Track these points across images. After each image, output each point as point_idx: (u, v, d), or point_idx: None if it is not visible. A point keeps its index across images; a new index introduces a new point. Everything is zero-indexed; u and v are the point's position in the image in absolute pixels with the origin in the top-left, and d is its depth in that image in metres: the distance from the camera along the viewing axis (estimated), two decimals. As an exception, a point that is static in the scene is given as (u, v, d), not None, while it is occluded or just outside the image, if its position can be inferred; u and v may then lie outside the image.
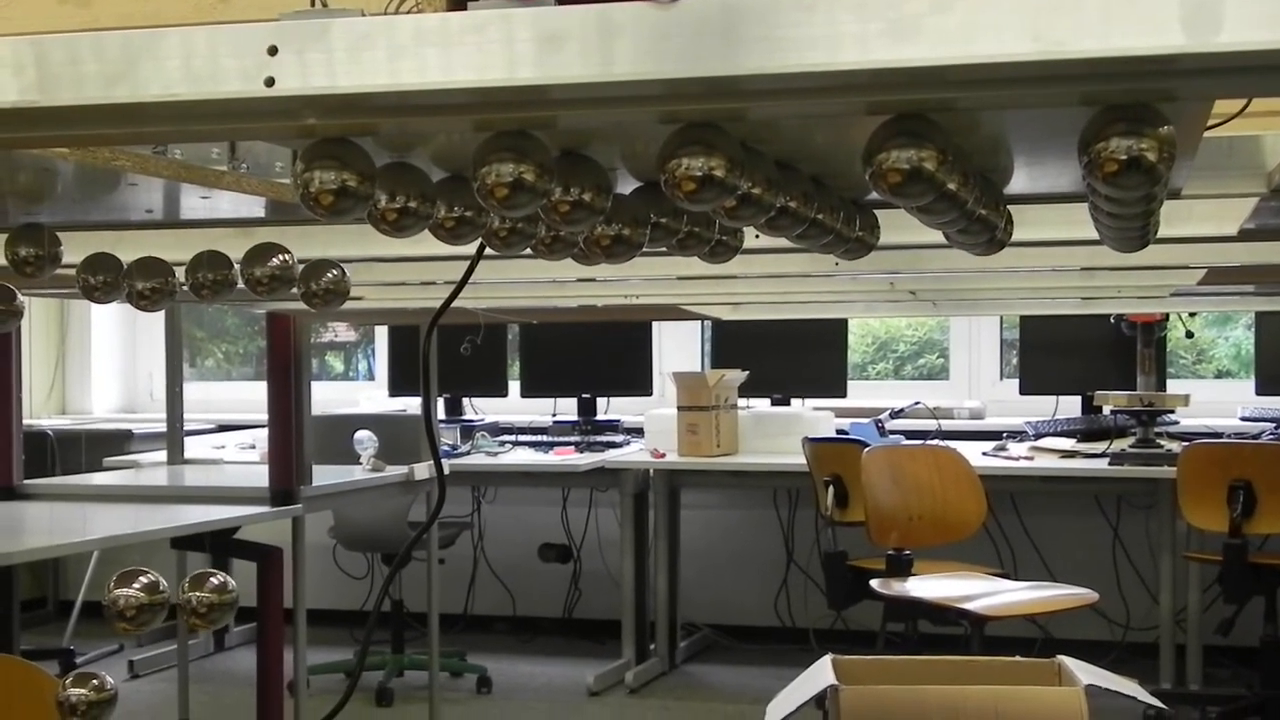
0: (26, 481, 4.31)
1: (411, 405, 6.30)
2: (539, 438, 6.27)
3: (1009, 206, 1.30)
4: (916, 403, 6.08)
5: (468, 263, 1.47)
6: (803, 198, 1.16)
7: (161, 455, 5.30)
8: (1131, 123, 0.80)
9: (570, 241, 1.26)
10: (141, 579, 1.66)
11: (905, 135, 0.87)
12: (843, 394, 6.16)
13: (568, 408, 6.56)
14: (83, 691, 1.66)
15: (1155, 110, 0.80)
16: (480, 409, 6.73)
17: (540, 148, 0.93)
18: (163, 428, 5.31)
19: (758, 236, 1.83)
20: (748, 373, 5.97)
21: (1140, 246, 1.39)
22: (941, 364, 6.75)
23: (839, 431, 5.74)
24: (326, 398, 6.42)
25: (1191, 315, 5.69)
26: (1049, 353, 5.99)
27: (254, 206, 1.53)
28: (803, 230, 1.19)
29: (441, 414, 6.50)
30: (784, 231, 1.19)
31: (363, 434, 4.85)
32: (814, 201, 1.18)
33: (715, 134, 0.90)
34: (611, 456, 5.86)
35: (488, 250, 1.27)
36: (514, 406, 6.64)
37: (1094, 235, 1.31)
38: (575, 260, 1.33)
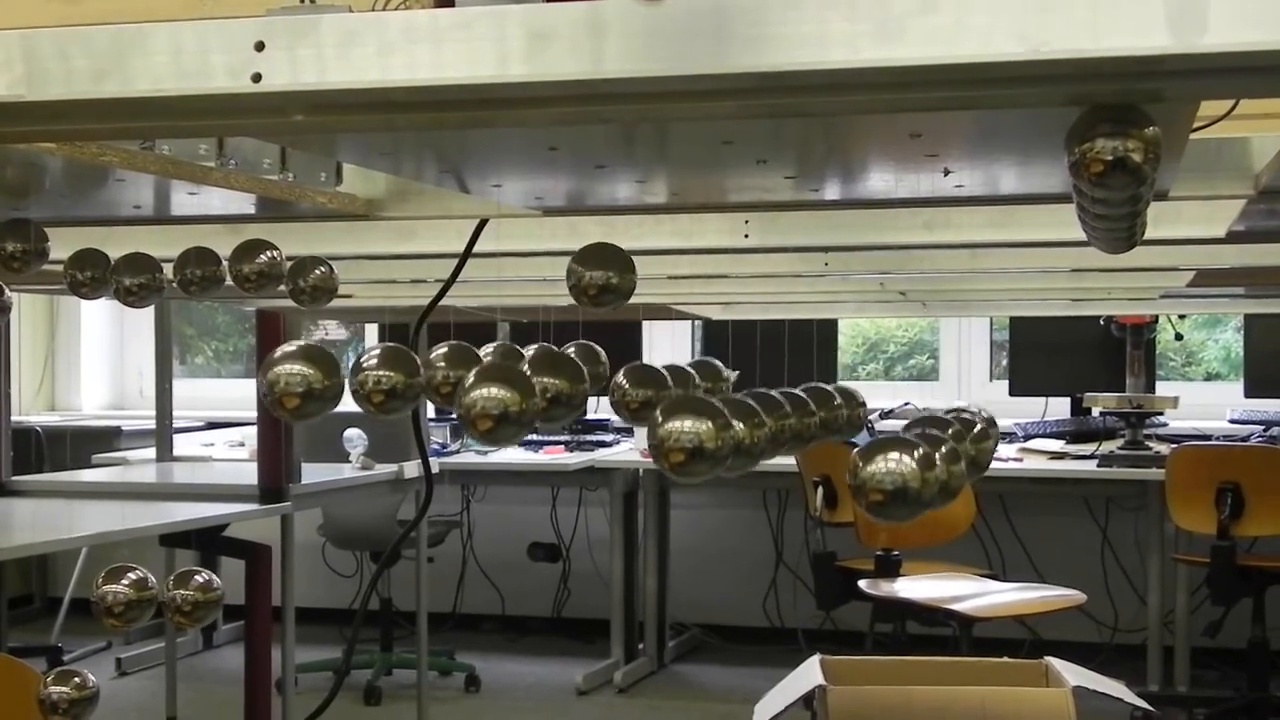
0: (14, 478, 4.31)
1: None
2: (528, 436, 6.27)
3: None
4: (906, 403, 6.08)
5: (456, 260, 1.47)
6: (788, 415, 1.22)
7: (150, 452, 5.29)
8: (1117, 123, 0.80)
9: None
10: (130, 575, 1.65)
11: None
12: (833, 394, 6.16)
13: (558, 407, 6.55)
14: (64, 689, 1.65)
15: (1141, 111, 0.81)
16: (470, 408, 6.71)
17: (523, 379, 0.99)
18: (152, 425, 5.30)
19: (746, 236, 1.83)
20: (738, 372, 5.93)
21: (1128, 248, 1.39)
22: (931, 365, 6.75)
23: (829, 432, 5.74)
24: (316, 396, 6.39)
25: (1181, 317, 5.70)
26: (1038, 354, 6.00)
27: (243, 203, 1.53)
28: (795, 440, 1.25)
29: (431, 412, 6.49)
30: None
31: (352, 432, 4.85)
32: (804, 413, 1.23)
33: (701, 404, 0.95)
34: (601, 456, 5.86)
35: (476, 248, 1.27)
36: (504, 405, 6.62)
37: (1083, 236, 1.31)
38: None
